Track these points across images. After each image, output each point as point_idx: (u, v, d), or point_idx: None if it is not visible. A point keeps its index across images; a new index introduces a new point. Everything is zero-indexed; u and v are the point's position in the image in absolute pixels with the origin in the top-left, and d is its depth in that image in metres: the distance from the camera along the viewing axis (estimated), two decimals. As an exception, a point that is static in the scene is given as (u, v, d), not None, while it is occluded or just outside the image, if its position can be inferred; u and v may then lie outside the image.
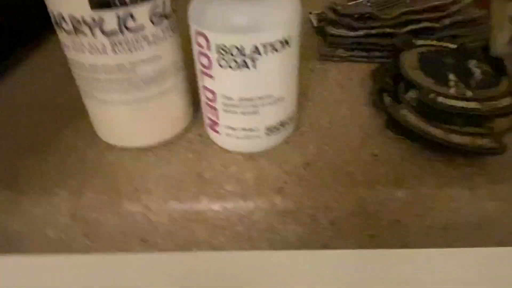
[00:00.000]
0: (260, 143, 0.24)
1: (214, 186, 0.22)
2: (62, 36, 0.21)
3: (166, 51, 0.22)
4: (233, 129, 0.23)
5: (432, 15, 0.32)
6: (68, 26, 0.20)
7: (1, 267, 0.28)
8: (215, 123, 0.24)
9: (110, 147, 0.25)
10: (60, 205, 0.22)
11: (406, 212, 0.22)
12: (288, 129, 0.25)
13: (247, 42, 0.19)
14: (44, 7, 0.21)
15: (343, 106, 0.29)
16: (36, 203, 0.22)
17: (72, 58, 0.22)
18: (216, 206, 0.22)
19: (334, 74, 0.33)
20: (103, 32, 0.20)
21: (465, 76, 0.27)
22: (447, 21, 0.31)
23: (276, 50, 0.20)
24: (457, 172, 0.23)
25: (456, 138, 0.23)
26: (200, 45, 0.21)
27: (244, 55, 0.20)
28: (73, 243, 0.23)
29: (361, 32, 0.32)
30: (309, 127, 0.27)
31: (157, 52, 0.22)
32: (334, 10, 0.33)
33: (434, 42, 0.31)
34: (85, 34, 0.20)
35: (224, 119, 0.23)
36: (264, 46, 0.20)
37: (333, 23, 0.33)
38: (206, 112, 0.24)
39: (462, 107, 0.24)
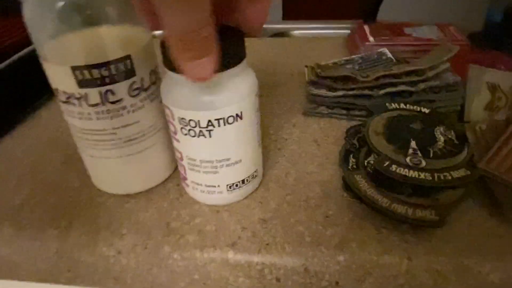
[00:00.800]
0: (223, 198, 0.27)
1: (177, 236, 0.25)
2: (60, 104, 0.25)
3: (144, 117, 0.26)
4: (198, 184, 0.26)
5: (409, 79, 0.33)
6: (62, 98, 0.24)
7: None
8: (185, 178, 0.27)
9: (101, 192, 0.29)
10: (49, 242, 0.26)
11: (346, 275, 0.23)
12: (250, 186, 0.28)
13: (202, 117, 0.23)
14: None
15: (313, 164, 0.31)
16: (32, 238, 0.26)
17: (67, 121, 0.26)
18: (175, 255, 0.25)
19: (314, 130, 0.35)
20: (88, 104, 0.24)
21: (427, 143, 0.28)
22: (422, 85, 0.33)
23: (229, 123, 0.23)
24: (398, 240, 0.24)
25: (399, 208, 0.24)
26: (167, 115, 0.25)
27: (200, 126, 0.23)
28: (59, 276, 0.27)
29: (340, 93, 0.34)
30: (275, 183, 0.29)
31: (135, 118, 0.25)
32: (316, 73, 0.35)
33: (408, 106, 0.33)
34: (74, 105, 0.24)
35: (190, 176, 0.26)
36: (217, 120, 0.23)
37: (315, 84, 0.35)
38: (179, 167, 0.28)
39: (413, 177, 0.25)
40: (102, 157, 0.27)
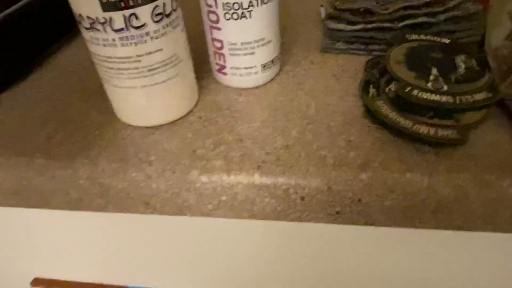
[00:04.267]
0: (257, 78, 0.32)
1: (204, 162, 0.26)
2: (83, 32, 0.25)
3: (167, 45, 0.26)
4: (237, 68, 0.31)
5: (429, 10, 0.33)
6: (86, 24, 0.24)
7: (34, 220, 0.34)
8: (223, 67, 0.31)
9: (125, 125, 0.30)
10: (80, 170, 0.27)
11: (368, 192, 0.24)
12: (277, 66, 0.33)
13: None
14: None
15: (333, 96, 0.31)
16: (62, 168, 0.27)
17: (91, 50, 0.26)
18: (203, 178, 0.26)
19: (332, 66, 0.35)
20: (113, 29, 0.24)
21: (447, 71, 0.28)
22: (443, 16, 0.32)
23: (264, 3, 0.28)
24: (420, 159, 0.25)
25: (422, 129, 0.25)
26: (209, 6, 0.28)
27: (243, 8, 0.28)
28: (91, 202, 0.28)
29: (359, 26, 0.34)
30: (296, 114, 0.30)
31: (159, 46, 0.25)
32: (334, 5, 0.35)
33: (428, 37, 0.32)
34: (99, 31, 0.24)
35: (230, 62, 0.31)
36: (257, 0, 0.28)
37: (333, 17, 0.35)
38: (215, 60, 0.31)
39: (435, 100, 0.26)
40: (126, 86, 0.27)
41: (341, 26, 0.34)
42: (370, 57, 0.34)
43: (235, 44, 0.30)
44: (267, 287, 0.37)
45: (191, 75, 0.30)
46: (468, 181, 0.23)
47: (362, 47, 0.35)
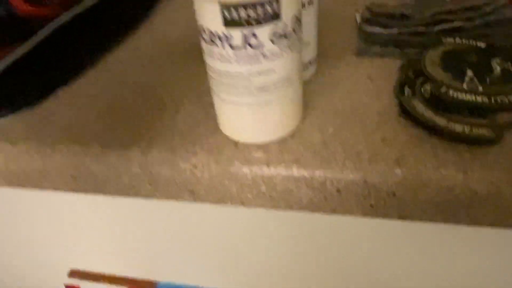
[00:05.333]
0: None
1: (245, 153, 0.28)
2: (202, 43, 0.26)
3: (280, 67, 0.25)
4: None
5: (465, 15, 0.34)
6: (206, 37, 0.25)
7: (90, 205, 0.37)
8: None
9: (173, 118, 0.32)
10: (133, 159, 0.29)
11: (403, 186, 0.25)
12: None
13: None
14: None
15: (367, 96, 0.32)
16: (118, 155, 0.30)
17: (206, 62, 0.27)
18: (244, 169, 0.27)
19: (367, 68, 0.36)
20: (230, 45, 0.24)
21: (483, 72, 0.29)
22: (478, 21, 0.33)
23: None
24: (455, 157, 0.26)
25: (457, 127, 0.26)
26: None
27: None
28: (140, 189, 0.30)
29: (394, 30, 0.35)
30: (333, 113, 0.31)
31: (272, 66, 0.25)
32: (370, 10, 0.36)
33: (464, 41, 0.33)
34: (217, 45, 0.24)
35: None
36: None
37: (369, 21, 0.36)
38: None
39: (470, 101, 0.27)
40: (234, 102, 0.27)
41: (377, 29, 0.36)
42: (405, 60, 0.36)
43: None
44: (301, 278, 0.39)
45: (299, 95, 0.29)
46: (502, 179, 0.24)
47: (397, 50, 0.36)
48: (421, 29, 0.35)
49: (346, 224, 0.32)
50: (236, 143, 0.29)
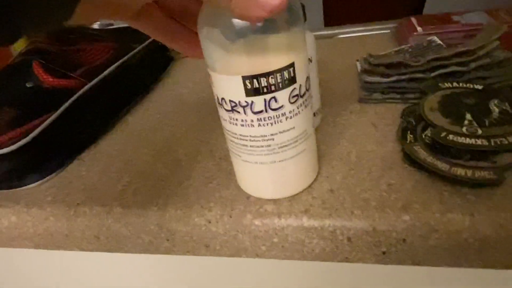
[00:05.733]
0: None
1: (257, 206, 0.29)
2: (222, 112, 0.27)
3: (299, 123, 0.27)
4: None
5: (460, 60, 0.35)
6: (227, 107, 0.26)
7: (111, 262, 0.39)
8: None
9: (188, 176, 0.34)
10: (151, 217, 0.31)
11: (412, 232, 0.26)
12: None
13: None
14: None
15: (372, 142, 0.34)
16: (136, 215, 0.32)
17: (227, 128, 0.28)
18: (257, 221, 0.29)
19: (370, 115, 0.38)
20: (252, 111, 0.25)
21: (481, 115, 0.30)
22: (473, 65, 0.35)
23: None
24: (460, 200, 0.26)
25: (459, 171, 0.27)
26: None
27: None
28: (159, 246, 0.32)
29: (393, 78, 0.37)
30: (339, 161, 0.32)
31: (292, 124, 0.26)
32: (368, 61, 0.38)
33: (461, 85, 0.34)
34: (239, 112, 0.26)
35: None
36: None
37: (368, 72, 0.38)
38: None
39: (470, 144, 0.27)
40: (256, 162, 0.28)
41: (376, 79, 0.38)
42: (406, 105, 0.37)
43: None
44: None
45: (316, 148, 0.31)
46: (509, 219, 0.24)
47: (398, 96, 0.38)
48: (418, 75, 0.36)
49: (362, 272, 0.32)
50: (248, 196, 0.30)
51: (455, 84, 0.35)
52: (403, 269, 0.31)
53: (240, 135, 0.27)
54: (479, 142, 0.27)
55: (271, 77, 0.24)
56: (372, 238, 0.27)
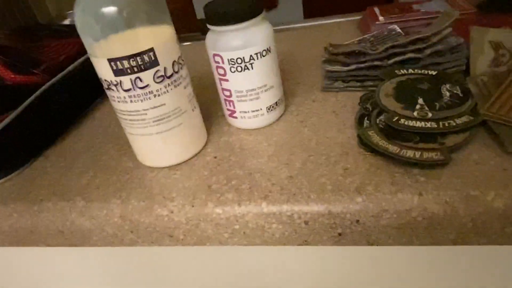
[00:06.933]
0: (264, 119, 0.36)
1: (218, 195, 0.30)
2: (105, 90, 0.31)
3: (169, 100, 0.31)
4: (245, 112, 0.35)
5: (415, 46, 0.36)
6: (105, 85, 0.31)
7: (76, 256, 0.39)
8: (233, 112, 0.36)
9: (152, 169, 0.34)
10: (114, 210, 0.31)
11: (364, 213, 0.27)
12: (281, 107, 0.38)
13: (246, 54, 0.32)
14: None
15: (332, 129, 0.35)
16: (99, 208, 0.32)
17: (112, 105, 0.32)
18: (218, 210, 0.29)
19: (332, 103, 0.39)
20: (123, 89, 0.30)
21: (433, 99, 0.31)
22: (428, 51, 0.36)
23: (263, 56, 0.33)
24: (410, 180, 0.27)
25: (408, 153, 0.28)
26: (217, 62, 0.33)
27: (245, 62, 0.33)
28: (124, 237, 0.32)
29: (352, 67, 0.38)
30: (299, 148, 0.33)
31: (161, 101, 0.31)
32: (328, 51, 0.39)
33: (416, 71, 0.36)
34: (113, 90, 0.30)
35: (239, 107, 0.35)
36: (256, 54, 0.33)
37: (329, 61, 0.39)
38: (226, 106, 0.36)
39: (419, 127, 0.29)
40: (138, 134, 0.32)
41: (337, 67, 0.39)
42: (363, 93, 0.38)
43: (241, 92, 0.34)
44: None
45: (197, 122, 0.34)
46: (455, 197, 0.26)
47: (358, 84, 0.39)
48: (376, 63, 0.37)
49: (321, 254, 0.33)
50: (209, 186, 0.31)
51: (410, 70, 0.36)
52: (360, 250, 0.32)
53: (120, 110, 0.31)
54: (428, 124, 0.28)
55: (132, 60, 0.28)
56: (328, 221, 0.28)
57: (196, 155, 0.35)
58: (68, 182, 0.35)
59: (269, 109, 0.36)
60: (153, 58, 0.29)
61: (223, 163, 0.33)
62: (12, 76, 0.41)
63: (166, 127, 0.32)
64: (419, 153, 0.27)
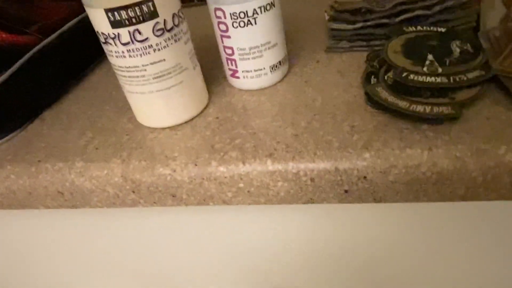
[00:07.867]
0: (268, 78, 0.35)
1: (222, 154, 0.29)
2: (102, 45, 0.30)
3: (169, 56, 0.30)
4: (248, 71, 0.34)
5: (424, 3, 0.35)
6: (102, 39, 0.29)
7: (76, 219, 0.38)
8: (235, 71, 0.34)
9: (152, 129, 0.34)
10: (115, 169, 0.30)
11: (372, 169, 0.26)
12: (285, 67, 0.36)
13: (249, 8, 0.31)
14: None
15: (338, 89, 0.34)
16: (100, 168, 0.31)
17: (110, 61, 0.31)
18: (222, 168, 0.28)
19: (337, 63, 0.37)
20: (121, 43, 0.28)
21: (443, 55, 0.30)
22: (437, 8, 0.34)
23: (267, 10, 0.32)
24: (419, 136, 0.27)
25: (418, 108, 0.27)
26: (218, 17, 0.31)
27: (248, 16, 0.31)
28: (125, 198, 0.31)
29: (358, 25, 0.37)
30: (304, 107, 0.32)
31: (161, 56, 0.29)
32: (334, 8, 0.38)
33: (425, 28, 0.34)
34: (111, 44, 0.29)
35: (241, 66, 0.34)
36: (260, 8, 0.31)
37: (334, 19, 0.38)
38: (228, 65, 0.35)
39: (430, 82, 0.28)
40: (137, 92, 0.31)
41: (342, 26, 0.37)
42: (370, 51, 0.37)
43: (244, 49, 0.33)
44: (287, 271, 0.39)
45: (198, 81, 0.33)
46: (466, 151, 0.25)
47: (364, 43, 0.37)
48: (384, 21, 0.36)
49: (327, 212, 0.33)
50: (212, 145, 0.30)
51: (419, 27, 0.34)
52: (367, 207, 0.32)
53: (119, 66, 0.30)
54: (438, 80, 0.28)
55: (130, 10, 0.27)
56: (334, 177, 0.27)
57: (197, 116, 0.34)
58: (65, 144, 0.34)
59: (272, 69, 0.35)
60: (152, 9, 0.27)
61: (226, 123, 0.32)
62: (4, 36, 0.39)
63: (166, 85, 0.31)
64: (429, 107, 0.26)
